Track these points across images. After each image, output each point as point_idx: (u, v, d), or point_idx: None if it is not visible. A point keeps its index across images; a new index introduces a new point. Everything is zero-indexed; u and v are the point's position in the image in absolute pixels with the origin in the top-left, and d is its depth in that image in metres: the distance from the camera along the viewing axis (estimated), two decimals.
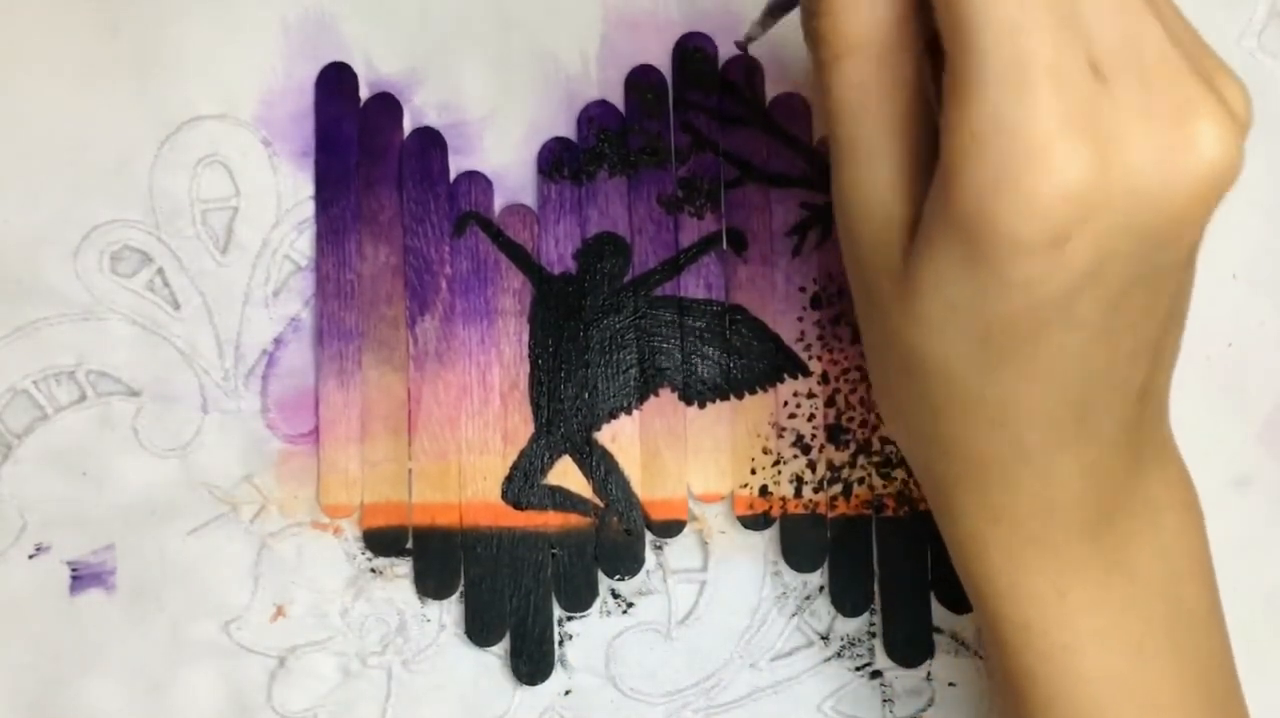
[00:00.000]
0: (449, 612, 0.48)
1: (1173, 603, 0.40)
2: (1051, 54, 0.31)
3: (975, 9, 0.31)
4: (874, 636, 0.48)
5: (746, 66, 0.49)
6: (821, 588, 0.49)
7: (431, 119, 0.49)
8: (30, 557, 0.48)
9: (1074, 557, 0.39)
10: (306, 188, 0.49)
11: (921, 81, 0.35)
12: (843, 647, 0.49)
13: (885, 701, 0.49)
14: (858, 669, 0.49)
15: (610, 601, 0.49)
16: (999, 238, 0.32)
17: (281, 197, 0.49)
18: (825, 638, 0.49)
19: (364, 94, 0.49)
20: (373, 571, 0.48)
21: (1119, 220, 0.32)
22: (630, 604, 0.49)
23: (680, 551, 0.49)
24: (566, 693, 0.48)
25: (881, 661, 0.49)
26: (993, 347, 0.35)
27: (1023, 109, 0.31)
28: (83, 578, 0.48)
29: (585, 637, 0.49)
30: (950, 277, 0.34)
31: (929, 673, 0.49)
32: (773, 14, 0.43)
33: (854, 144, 0.36)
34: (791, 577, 0.48)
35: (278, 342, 0.49)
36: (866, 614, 0.48)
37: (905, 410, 0.40)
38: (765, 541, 0.48)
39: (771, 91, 0.49)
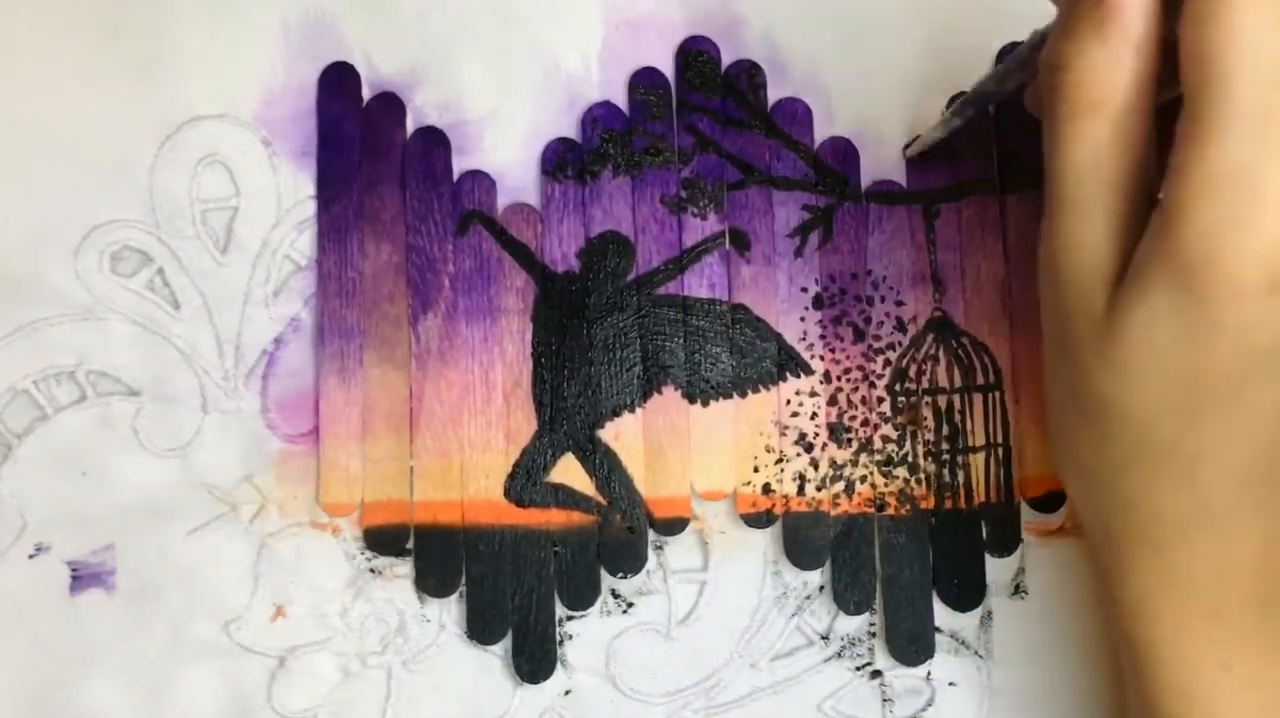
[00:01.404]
0: (449, 611, 0.48)
1: None
2: None
3: (1231, 60, 0.33)
4: (874, 636, 0.49)
5: (749, 71, 0.49)
6: (821, 588, 0.49)
7: (432, 119, 0.49)
8: (30, 557, 0.48)
9: (1243, 629, 0.39)
10: (306, 188, 0.49)
11: (1149, 143, 0.37)
12: (843, 647, 0.49)
13: (885, 700, 0.49)
14: (858, 669, 0.49)
15: (610, 600, 0.49)
16: (1220, 279, 0.33)
17: (281, 196, 0.49)
18: (825, 638, 0.49)
19: (365, 94, 0.49)
20: (372, 571, 0.48)
21: None
22: (630, 604, 0.49)
23: (680, 550, 0.49)
24: (567, 693, 0.48)
25: (881, 661, 0.49)
26: (1193, 396, 0.36)
27: (1263, 156, 0.33)
28: (83, 578, 0.48)
29: (585, 637, 0.49)
30: (1159, 320, 0.35)
31: (929, 673, 0.49)
32: (962, 112, 0.46)
33: (1077, 198, 0.37)
34: (792, 577, 0.49)
35: (278, 342, 0.49)
36: (866, 614, 0.48)
37: (1087, 462, 0.40)
38: (765, 541, 0.49)
39: (773, 96, 0.49)
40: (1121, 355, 0.36)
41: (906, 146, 0.49)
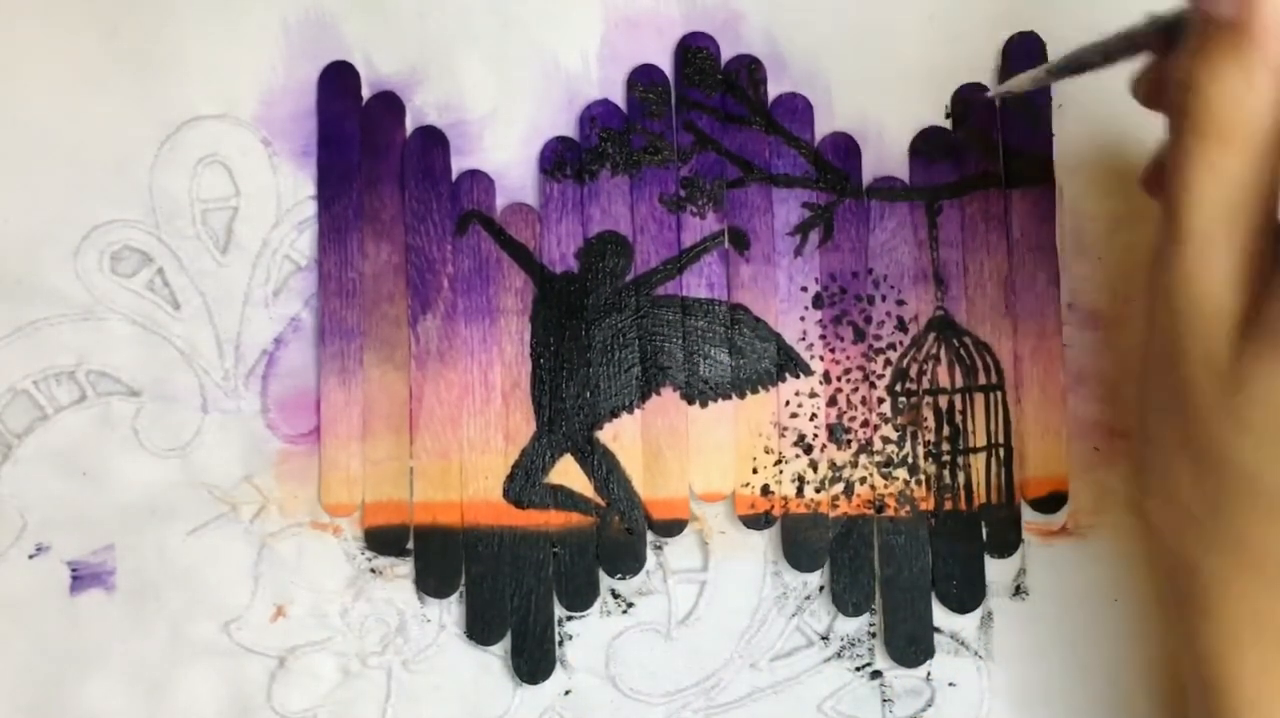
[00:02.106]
0: (449, 612, 0.48)
1: None
2: None
3: None
4: (874, 636, 0.48)
5: (749, 67, 0.49)
6: (821, 588, 0.49)
7: (432, 118, 0.49)
8: (30, 557, 0.48)
9: None
10: (306, 187, 0.49)
11: None
12: (843, 647, 0.49)
13: (885, 701, 0.49)
14: (858, 669, 0.49)
15: (610, 600, 0.48)
16: None
17: (281, 196, 0.49)
18: (825, 638, 0.49)
19: (364, 94, 0.49)
20: (373, 571, 0.48)
21: None
22: (630, 604, 0.49)
23: (680, 551, 0.49)
24: (566, 693, 0.48)
25: (881, 661, 0.49)
26: None
27: None
28: (83, 578, 0.48)
29: (585, 637, 0.49)
30: None
31: (929, 673, 0.49)
32: (1057, 74, 0.44)
33: (1201, 231, 0.35)
34: (791, 577, 0.48)
35: (278, 341, 0.49)
36: (866, 614, 0.48)
37: (1184, 498, 0.39)
38: (765, 540, 0.48)
39: (773, 92, 0.49)
40: (1245, 410, 0.35)
41: (987, 90, 0.49)
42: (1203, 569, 0.39)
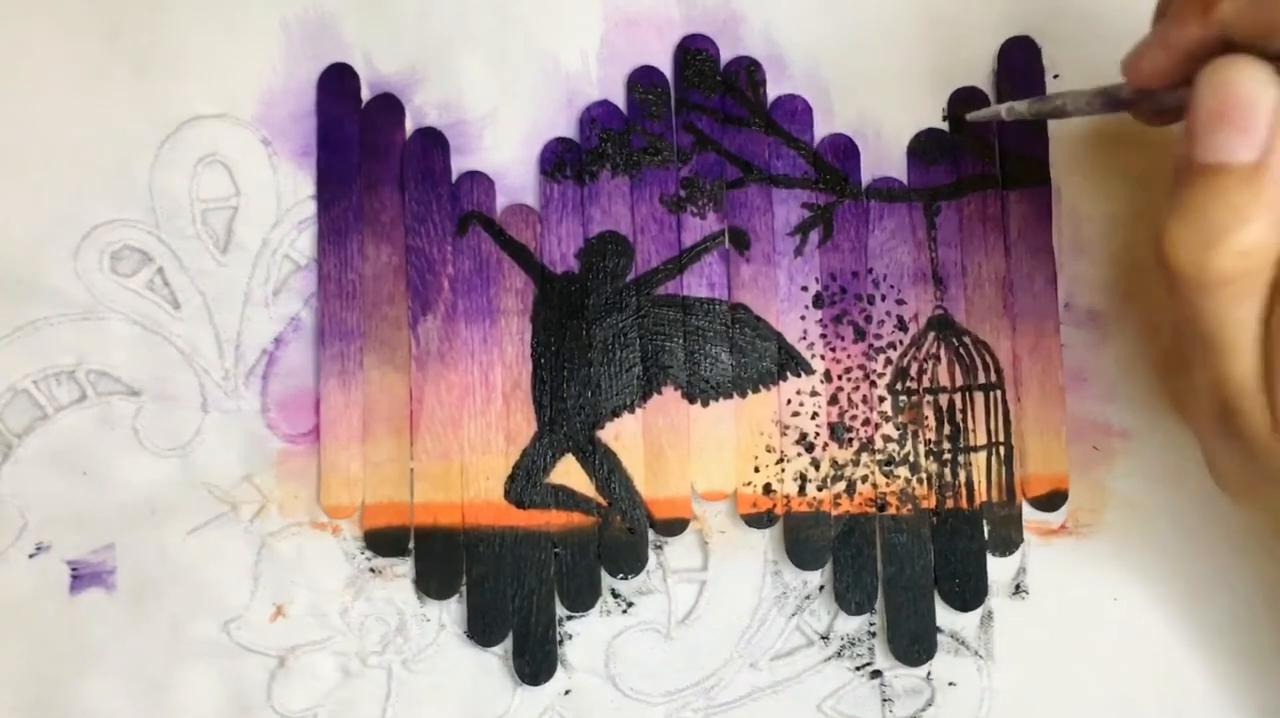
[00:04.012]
0: (449, 612, 0.48)
1: None
2: None
3: None
4: (874, 635, 0.49)
5: (748, 68, 0.49)
6: (821, 588, 0.49)
7: (432, 119, 0.49)
8: (30, 556, 0.48)
9: None
10: (306, 187, 0.49)
11: None
12: (843, 647, 0.49)
13: (885, 700, 0.49)
14: (857, 669, 0.49)
15: (610, 600, 0.48)
16: None
17: (281, 196, 0.49)
18: (825, 638, 0.49)
19: (364, 94, 0.49)
20: (372, 570, 0.48)
21: None
22: (630, 604, 0.49)
23: (680, 550, 0.49)
24: (566, 693, 0.48)
25: (881, 661, 0.49)
26: None
27: None
28: (83, 578, 0.48)
29: (585, 637, 0.48)
30: None
31: (929, 673, 0.49)
32: (1038, 105, 0.44)
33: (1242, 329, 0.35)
34: (791, 576, 0.48)
35: (278, 341, 0.49)
36: (866, 614, 0.48)
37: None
38: (765, 540, 0.49)
39: (773, 93, 0.49)
40: None
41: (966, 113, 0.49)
42: None
